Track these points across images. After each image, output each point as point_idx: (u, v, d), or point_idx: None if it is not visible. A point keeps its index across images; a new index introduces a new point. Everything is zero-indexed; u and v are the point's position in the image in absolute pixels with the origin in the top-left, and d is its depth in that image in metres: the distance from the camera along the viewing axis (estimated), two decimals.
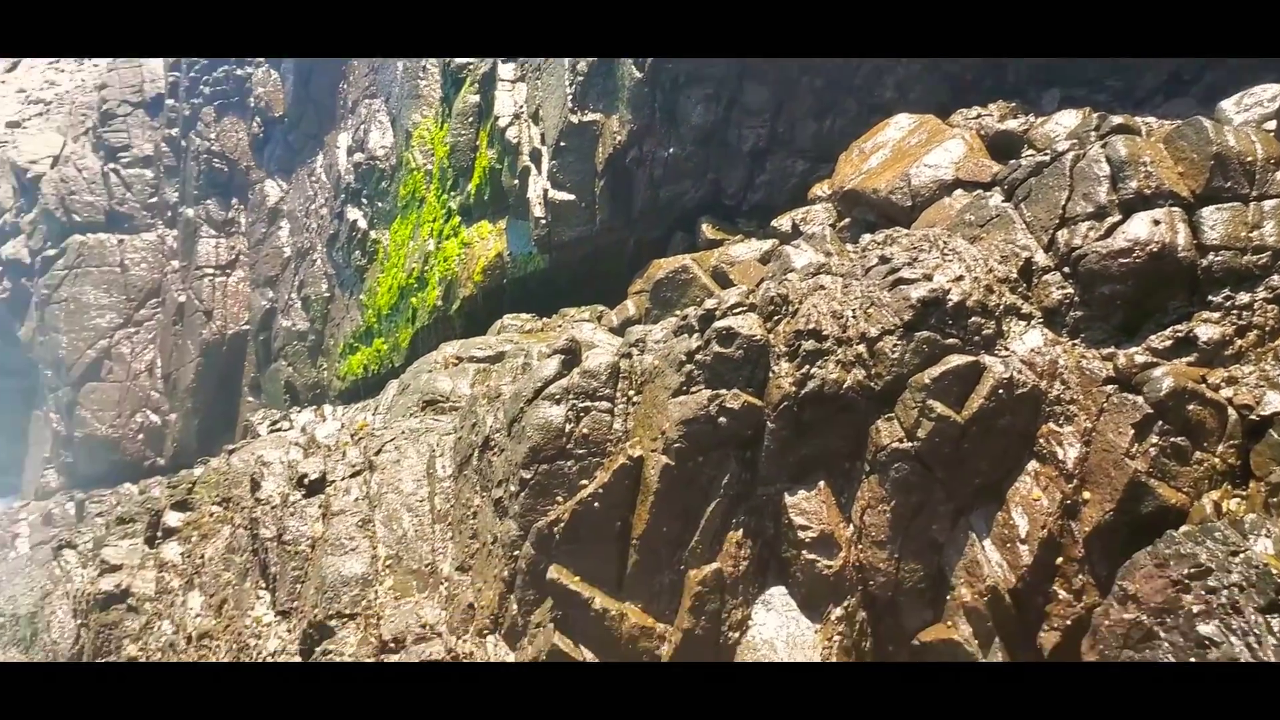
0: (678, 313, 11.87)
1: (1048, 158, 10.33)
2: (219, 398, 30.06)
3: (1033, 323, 9.54)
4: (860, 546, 9.22)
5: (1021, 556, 8.80)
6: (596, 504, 10.15)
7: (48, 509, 32.94)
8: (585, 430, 10.45)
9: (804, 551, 9.37)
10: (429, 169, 20.10)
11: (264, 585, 13.42)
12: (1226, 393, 8.79)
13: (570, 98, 15.91)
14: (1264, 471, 8.39)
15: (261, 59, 28.25)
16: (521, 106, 17.43)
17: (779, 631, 9.35)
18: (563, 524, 10.28)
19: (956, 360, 9.20)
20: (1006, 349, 9.33)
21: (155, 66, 32.74)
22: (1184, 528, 8.14)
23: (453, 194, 19.03)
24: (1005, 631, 8.76)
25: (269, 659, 12.35)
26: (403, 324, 19.98)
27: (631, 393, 10.52)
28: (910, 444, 9.09)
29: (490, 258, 17.19)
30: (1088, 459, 8.86)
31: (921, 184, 11.65)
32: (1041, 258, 9.87)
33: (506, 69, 18.11)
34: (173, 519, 17.02)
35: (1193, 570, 7.66)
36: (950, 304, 9.35)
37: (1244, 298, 9.12)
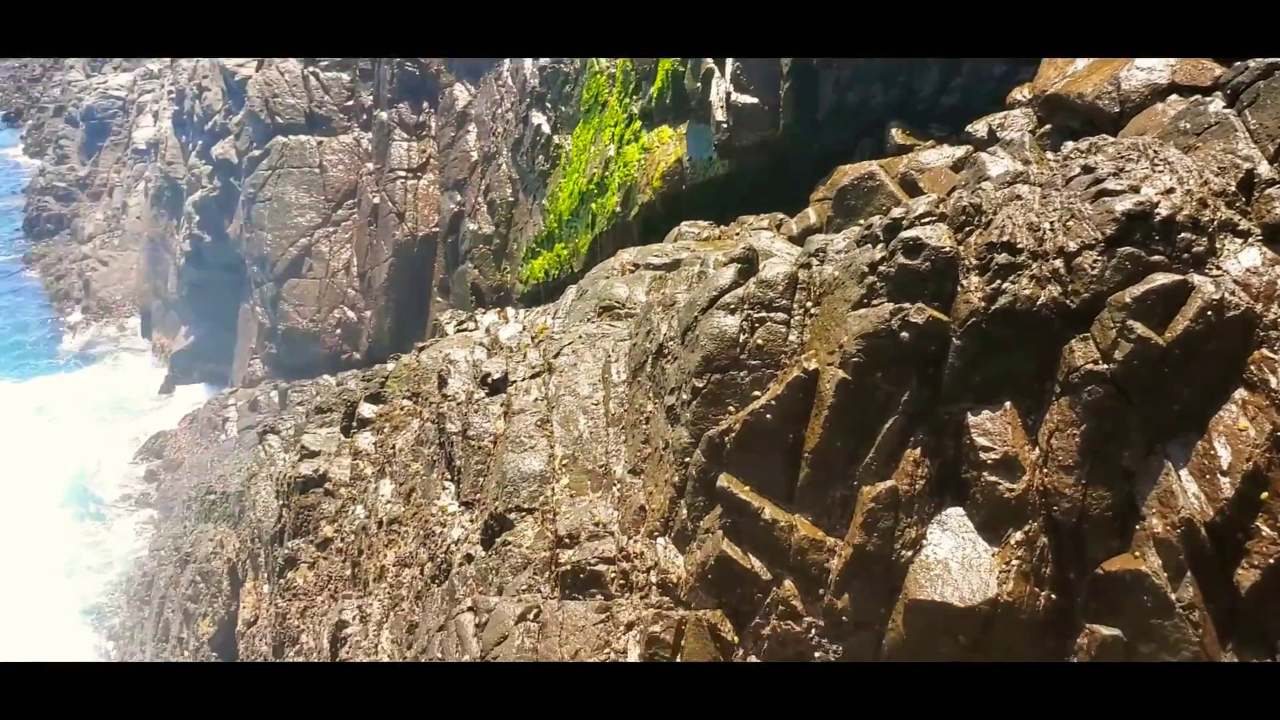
0: (861, 222, 11.50)
1: None
2: (410, 297, 31.28)
3: (1250, 240, 8.80)
4: (1046, 470, 8.86)
5: (1222, 489, 8.27)
6: (769, 415, 10.09)
7: (254, 396, 35.35)
8: (760, 341, 10.35)
9: (985, 473, 9.07)
10: (612, 72, 20.01)
11: (449, 477, 14.05)
12: None
13: None
14: None
15: None
16: None
17: (954, 553, 9.14)
18: (734, 434, 10.28)
19: (1161, 279, 8.59)
20: (1218, 268, 8.66)
21: None
22: None
23: (634, 98, 18.90)
24: (1198, 566, 8.30)
25: (453, 546, 12.99)
26: (582, 229, 20.19)
27: (809, 304, 10.32)
28: (1106, 366, 8.61)
29: (669, 163, 17.07)
30: None
31: (1132, 88, 10.84)
32: (1265, 170, 9.05)
33: None
34: (367, 410, 17.99)
35: None
36: (1158, 218, 8.71)
37: None
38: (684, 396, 10.85)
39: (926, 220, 9.76)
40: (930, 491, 9.38)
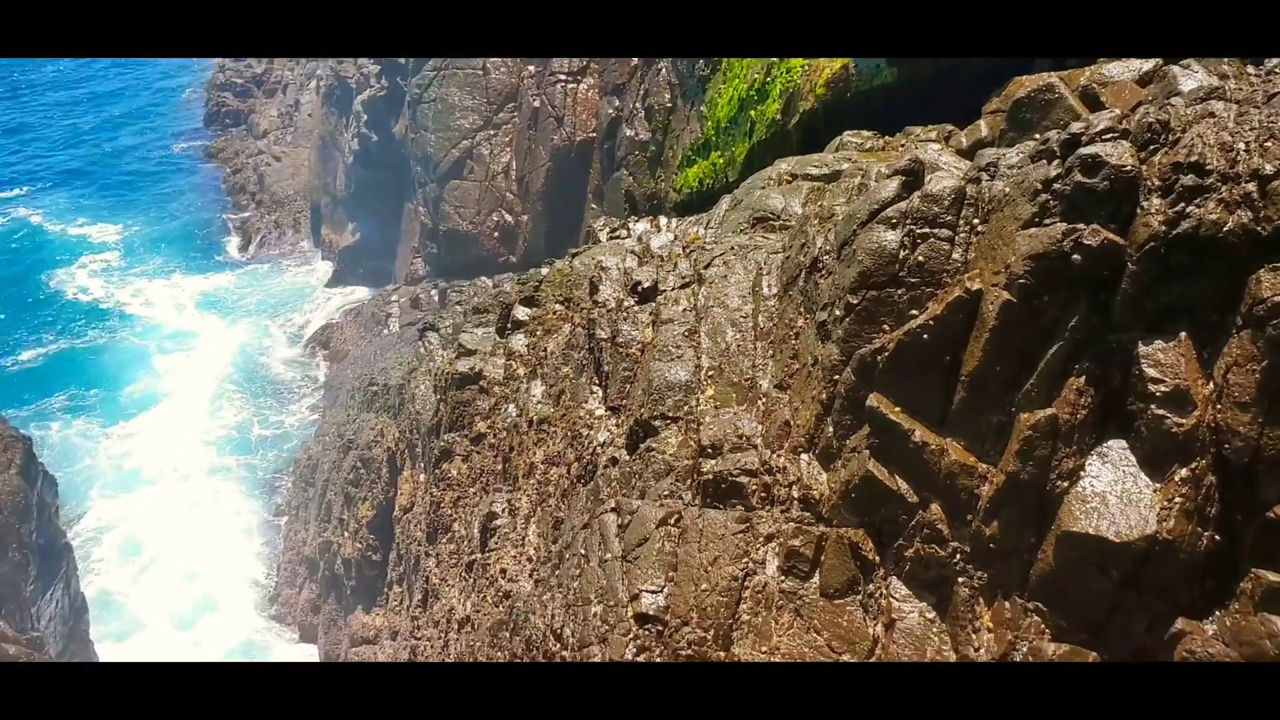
0: (1037, 136, 10.90)
1: None
2: (566, 202, 31.60)
3: None
4: (1219, 406, 8.36)
5: None
6: (926, 335, 9.81)
7: (415, 294, 36.58)
8: (921, 258, 10.02)
9: (1153, 406, 8.63)
10: None
11: (597, 382, 14.26)
12: None
13: None
14: None
15: None
16: None
17: (1113, 486, 8.78)
18: (887, 353, 10.05)
19: None
20: None
21: None
22: None
23: None
24: None
25: (599, 449, 13.24)
26: (740, 137, 19.83)
27: (976, 221, 9.91)
28: None
29: (835, 70, 16.50)
30: None
31: None
32: None
33: None
34: (521, 313, 18.37)
35: None
36: None
37: None
38: (836, 313, 10.64)
39: (1108, 136, 9.17)
40: (1092, 422, 8.99)
